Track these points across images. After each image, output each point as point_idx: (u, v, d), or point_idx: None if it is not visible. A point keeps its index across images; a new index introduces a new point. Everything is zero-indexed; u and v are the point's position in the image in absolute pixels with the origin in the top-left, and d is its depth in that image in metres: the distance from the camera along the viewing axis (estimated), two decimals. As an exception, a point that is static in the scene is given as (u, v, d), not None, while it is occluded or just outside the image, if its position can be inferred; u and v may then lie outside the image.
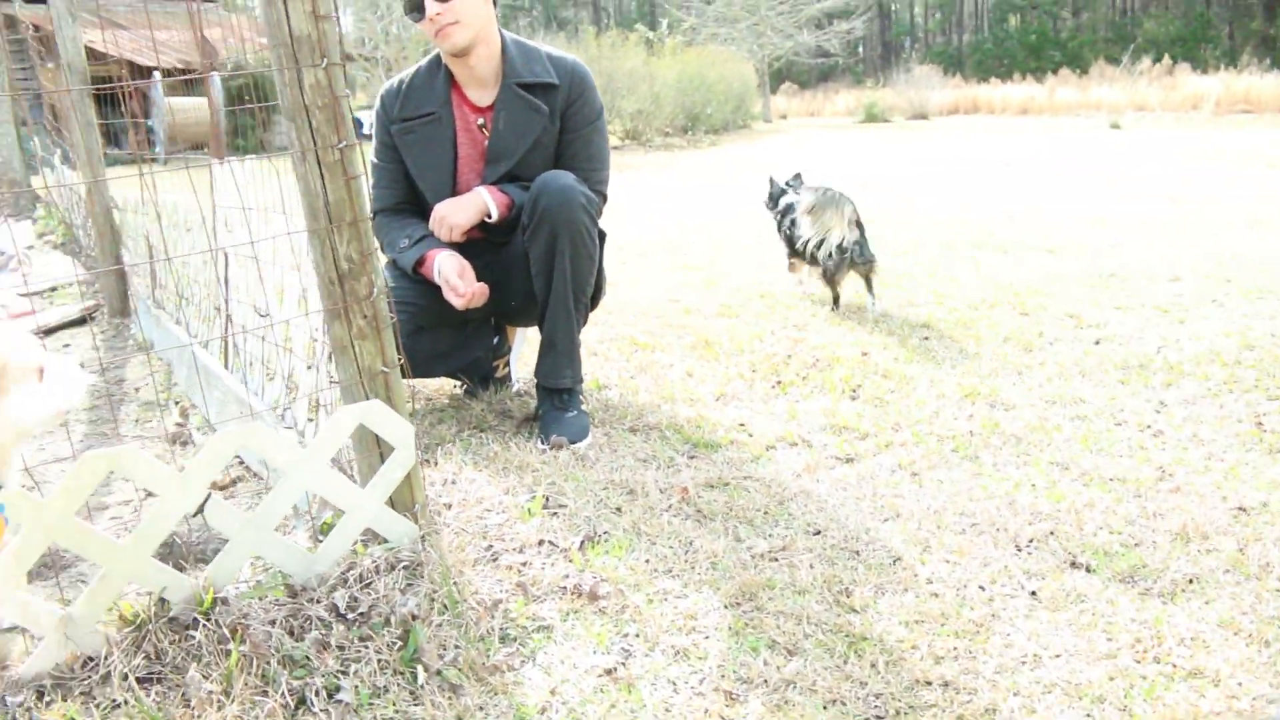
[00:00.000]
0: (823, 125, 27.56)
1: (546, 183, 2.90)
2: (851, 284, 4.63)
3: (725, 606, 2.06)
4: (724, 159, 16.00)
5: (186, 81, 18.54)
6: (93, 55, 5.61)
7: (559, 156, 3.11)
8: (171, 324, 4.19)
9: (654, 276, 5.66)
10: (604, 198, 3.13)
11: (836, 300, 4.62)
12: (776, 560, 2.25)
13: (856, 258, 4.48)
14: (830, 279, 4.55)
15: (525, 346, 3.67)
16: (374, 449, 2.13)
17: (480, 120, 3.11)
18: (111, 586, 1.89)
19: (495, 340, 3.47)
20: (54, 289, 6.65)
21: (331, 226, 2.00)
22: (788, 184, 5.09)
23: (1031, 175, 10.85)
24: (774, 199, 5.09)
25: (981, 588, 2.12)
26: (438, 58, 3.14)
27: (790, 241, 4.84)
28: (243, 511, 1.98)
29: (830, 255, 4.48)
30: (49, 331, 5.30)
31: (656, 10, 47.52)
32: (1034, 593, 2.09)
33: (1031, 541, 2.31)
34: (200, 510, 1.92)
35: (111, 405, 3.71)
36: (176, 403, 3.63)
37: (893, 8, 60.30)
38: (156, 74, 18.59)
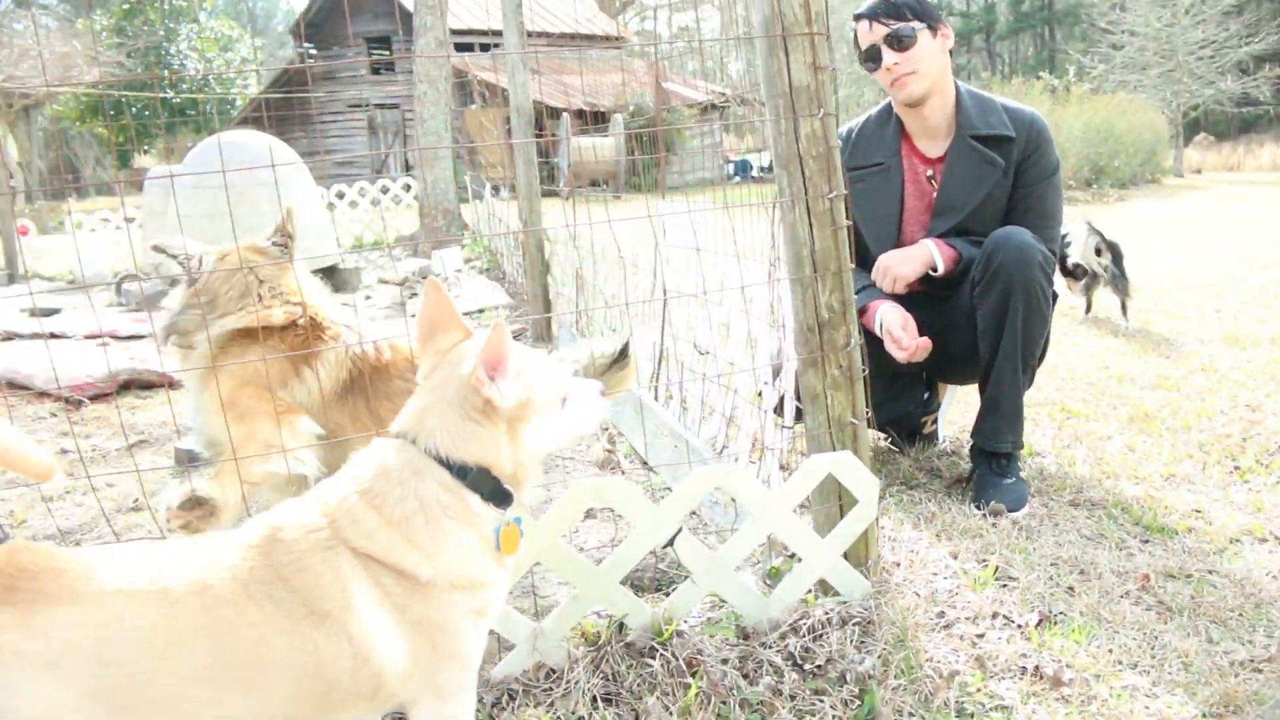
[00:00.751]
0: (1246, 181, 24.95)
1: (1005, 238, 2.80)
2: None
3: (1204, 715, 1.86)
4: (1134, 216, 14.76)
5: (594, 122, 19.80)
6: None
7: (1009, 211, 2.99)
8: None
9: (1080, 340, 5.36)
10: (1056, 256, 2.98)
11: (1089, 307, 6.08)
12: (1261, 671, 2.01)
13: (1112, 279, 5.79)
14: (1085, 291, 6.07)
15: (953, 404, 3.56)
16: (834, 499, 2.11)
17: (929, 172, 3.06)
18: (582, 606, 2.00)
19: (925, 395, 3.40)
20: (481, 310, 7.26)
21: (815, 275, 2.02)
22: None
23: None
24: None
25: None
26: (888, 107, 3.12)
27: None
28: (709, 550, 2.03)
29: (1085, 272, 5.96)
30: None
31: (1056, 57, 45.38)
32: None
33: None
34: (671, 543, 1.98)
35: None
36: (605, 429, 3.81)
37: (1337, 52, 54.02)
38: (565, 115, 20.01)
